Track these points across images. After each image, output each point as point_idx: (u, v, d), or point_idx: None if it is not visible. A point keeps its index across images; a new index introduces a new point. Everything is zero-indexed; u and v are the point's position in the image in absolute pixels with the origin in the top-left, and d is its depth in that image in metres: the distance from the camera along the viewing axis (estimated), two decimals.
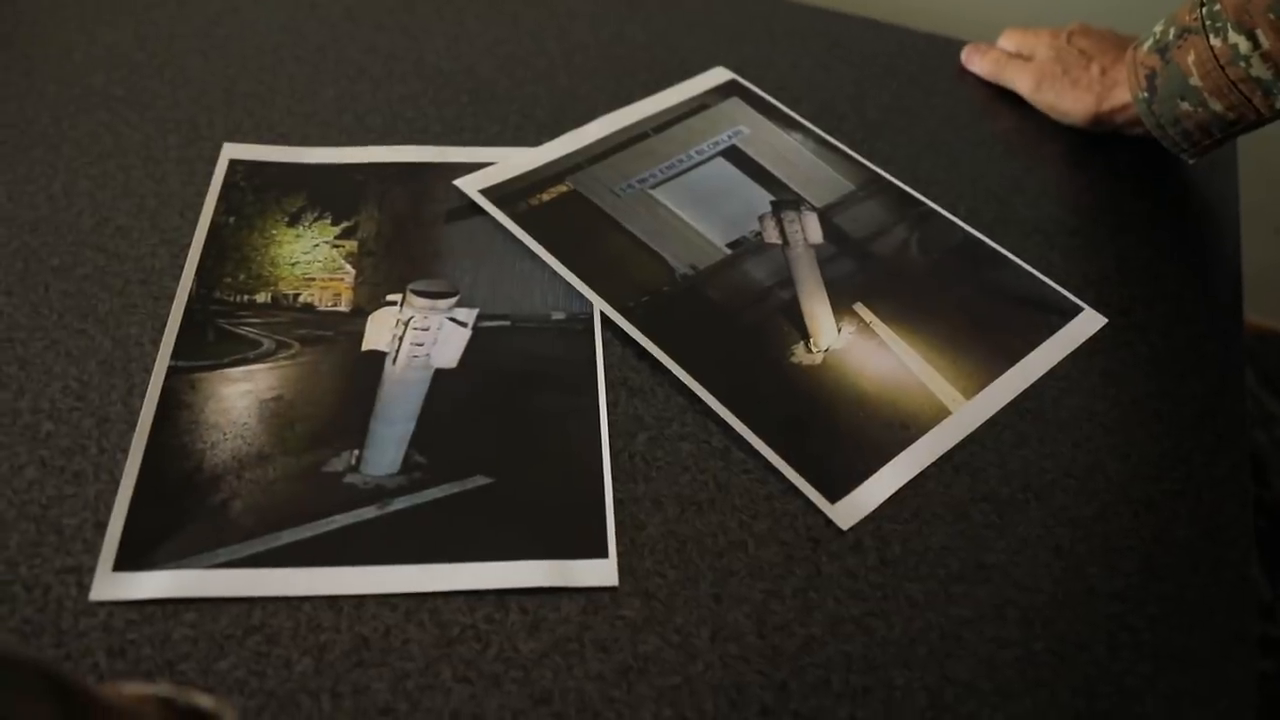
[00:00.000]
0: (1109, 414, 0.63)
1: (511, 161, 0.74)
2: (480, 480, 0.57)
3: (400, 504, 0.56)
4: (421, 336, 0.64)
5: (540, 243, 0.68)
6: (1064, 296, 0.68)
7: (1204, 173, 0.79)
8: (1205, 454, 0.61)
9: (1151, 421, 0.63)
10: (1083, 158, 0.79)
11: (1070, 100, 0.79)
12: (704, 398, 0.61)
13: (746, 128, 0.79)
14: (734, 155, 0.77)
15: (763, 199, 0.73)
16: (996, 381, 0.63)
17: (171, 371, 0.61)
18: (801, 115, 0.80)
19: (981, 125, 0.82)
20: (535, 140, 0.77)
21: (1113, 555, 0.56)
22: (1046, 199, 0.76)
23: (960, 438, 0.60)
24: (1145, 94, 0.72)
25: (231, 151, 0.74)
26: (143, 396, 0.60)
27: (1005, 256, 0.71)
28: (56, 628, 0.51)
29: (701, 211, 0.72)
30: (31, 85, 0.79)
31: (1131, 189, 0.77)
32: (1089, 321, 0.67)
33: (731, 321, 0.65)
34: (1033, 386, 0.63)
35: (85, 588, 0.52)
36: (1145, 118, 0.73)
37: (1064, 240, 0.73)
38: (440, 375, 0.62)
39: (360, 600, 0.52)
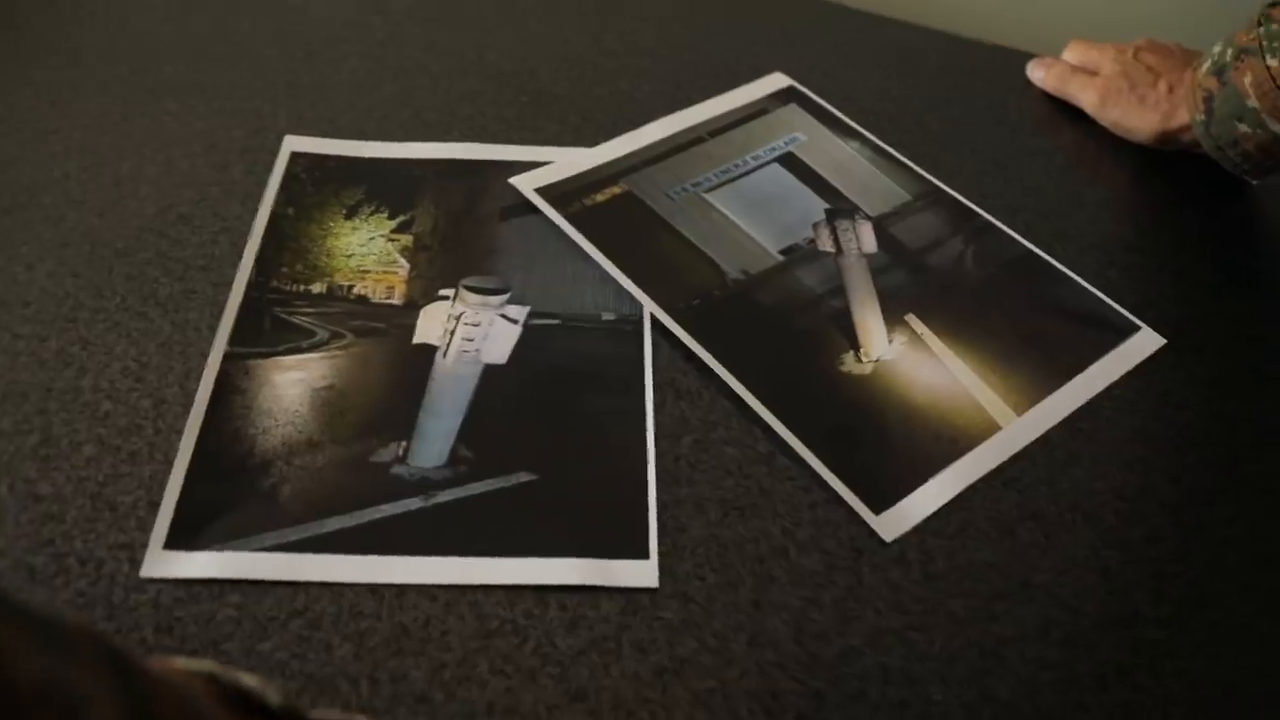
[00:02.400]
0: (1164, 436, 0.62)
1: (567, 161, 0.75)
2: (525, 476, 0.57)
3: (445, 497, 0.56)
4: (472, 332, 0.64)
5: (593, 243, 0.69)
6: (1121, 315, 0.67)
7: (1269, 194, 0.77)
8: (1262, 480, 0.60)
9: (1207, 445, 0.61)
10: (1146, 175, 0.78)
11: (1136, 117, 0.77)
12: (750, 403, 0.61)
13: (803, 134, 0.79)
14: (790, 162, 0.76)
15: (817, 207, 0.73)
16: (1049, 398, 0.62)
17: (227, 357, 0.62)
18: (860, 124, 0.80)
19: (1044, 139, 0.81)
20: (592, 141, 0.77)
21: (1161, 580, 0.55)
22: (1107, 215, 0.75)
23: (1009, 454, 0.60)
24: (1203, 116, 0.71)
25: (293, 144, 0.75)
26: (199, 380, 0.61)
27: (1063, 272, 0.70)
28: (108, 602, 0.52)
29: (755, 217, 0.72)
30: (110, 72, 0.81)
31: (1195, 208, 0.76)
32: (1146, 341, 0.66)
33: (781, 328, 0.65)
34: (1086, 405, 0.63)
35: (137, 564, 0.53)
36: (1203, 140, 0.72)
37: (1123, 257, 0.72)
38: (489, 371, 0.62)
39: (402, 589, 0.53)
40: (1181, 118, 0.75)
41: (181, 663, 0.36)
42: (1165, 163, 0.78)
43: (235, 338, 0.63)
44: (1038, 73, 0.85)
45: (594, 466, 0.58)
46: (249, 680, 0.36)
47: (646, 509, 0.56)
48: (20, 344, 0.62)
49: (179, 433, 0.58)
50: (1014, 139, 0.81)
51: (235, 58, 0.82)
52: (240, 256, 0.68)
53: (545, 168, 0.74)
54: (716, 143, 0.78)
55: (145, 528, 0.54)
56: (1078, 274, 0.70)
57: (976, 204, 0.74)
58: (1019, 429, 0.61)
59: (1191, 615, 0.54)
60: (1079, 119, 0.82)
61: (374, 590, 0.53)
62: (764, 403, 0.60)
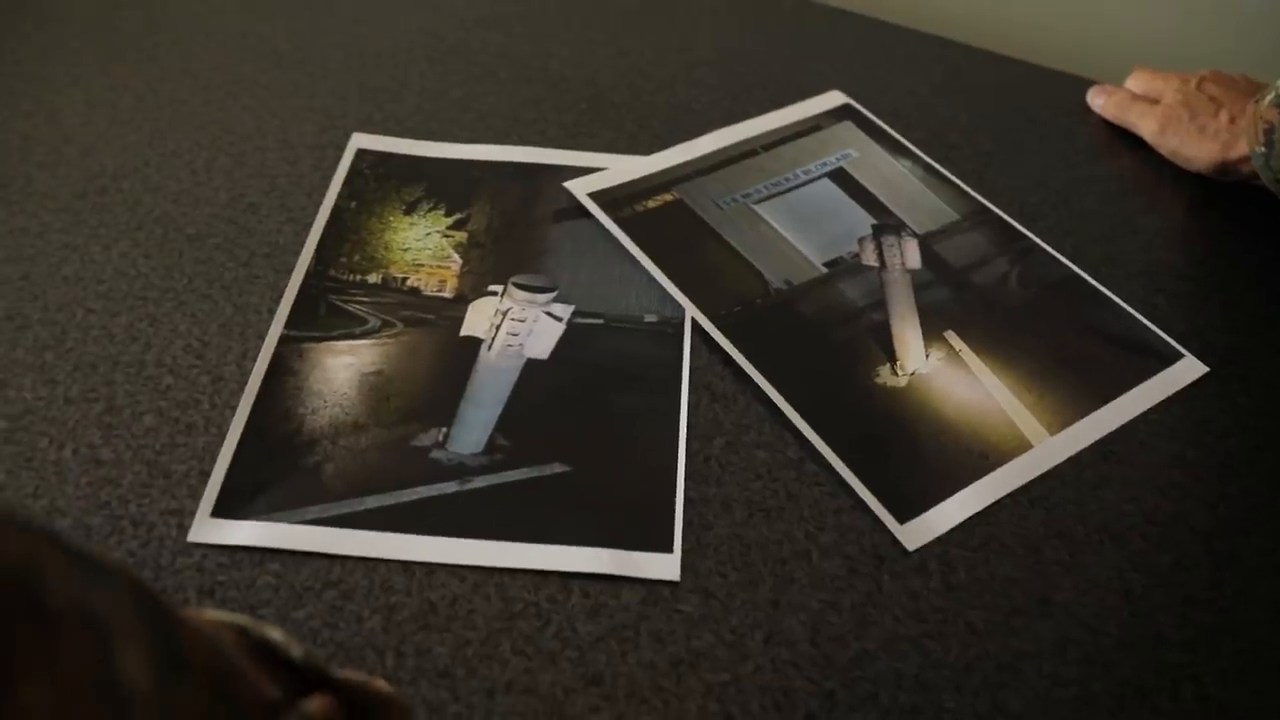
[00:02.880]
0: (1201, 463, 0.61)
1: (621, 168, 0.77)
2: (558, 467, 0.59)
3: (480, 482, 0.58)
4: (517, 327, 0.66)
5: (640, 247, 0.70)
6: (1165, 341, 0.67)
7: None
8: None
9: (1246, 474, 0.61)
10: (1202, 204, 0.78)
11: (1195, 146, 0.77)
12: (784, 409, 0.62)
13: (856, 151, 0.80)
14: (840, 177, 0.77)
15: (864, 222, 0.74)
16: (1084, 420, 0.62)
17: (283, 339, 0.65)
18: (913, 142, 0.81)
19: (1098, 165, 0.81)
20: (647, 149, 0.79)
21: (1188, 606, 0.55)
22: (1159, 243, 0.74)
23: (1039, 472, 0.60)
24: (1263, 149, 0.70)
25: (360, 141, 0.79)
26: (255, 360, 0.64)
27: (1108, 297, 0.70)
28: (156, 563, 0.54)
29: (802, 230, 0.73)
30: (189, 69, 0.85)
31: (1249, 240, 0.75)
32: (1188, 369, 0.66)
33: (820, 338, 0.66)
34: (1122, 428, 0.62)
35: (184, 529, 0.56)
36: (1262, 172, 0.71)
37: (1172, 285, 0.71)
38: (531, 365, 0.64)
39: (432, 568, 0.55)
40: (1241, 149, 0.74)
41: (212, 613, 0.38)
42: (1222, 193, 0.78)
43: (292, 321, 0.66)
44: (1098, 99, 0.84)
45: (626, 462, 0.59)
46: (275, 634, 0.37)
47: (674, 505, 0.58)
48: (92, 319, 0.66)
49: (233, 408, 0.61)
50: (1067, 163, 0.81)
51: (310, 60, 0.86)
52: (302, 245, 0.71)
53: (600, 173, 0.76)
54: (769, 156, 0.79)
55: (195, 495, 0.57)
56: (1124, 299, 0.70)
57: (1025, 226, 0.75)
58: (1051, 448, 0.61)
59: (1219, 641, 0.54)
60: (1136, 147, 0.82)
61: (406, 567, 0.55)
62: (797, 409, 0.61)
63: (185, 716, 0.28)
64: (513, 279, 0.69)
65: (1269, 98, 0.71)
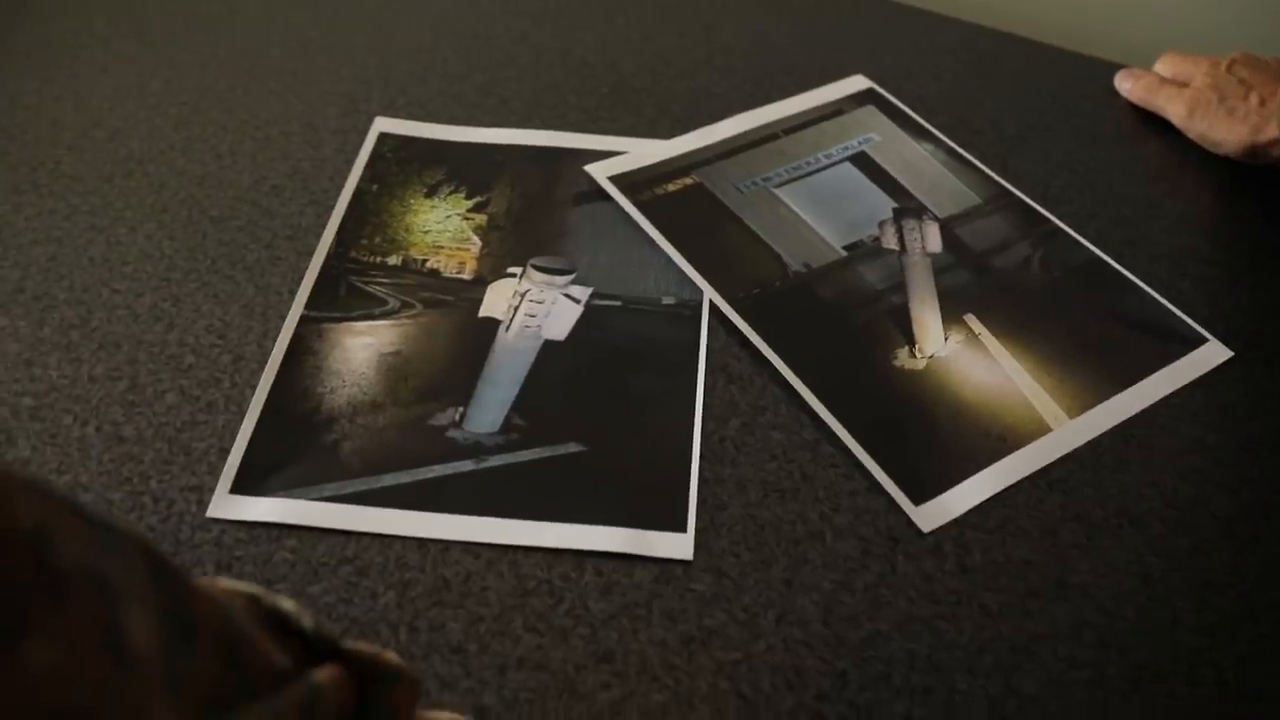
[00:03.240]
0: (1223, 448, 0.61)
1: (642, 152, 0.77)
2: (574, 447, 0.59)
3: (495, 461, 0.59)
4: (535, 309, 0.66)
5: (660, 230, 0.70)
6: (1189, 326, 0.66)
7: None
8: None
9: (1268, 459, 0.60)
10: (1228, 188, 0.76)
11: (1224, 129, 0.76)
12: (800, 390, 0.61)
13: (878, 135, 0.79)
14: (862, 161, 0.77)
15: (885, 206, 0.74)
16: (1104, 404, 0.62)
17: (303, 320, 0.65)
18: (936, 127, 0.80)
19: (1124, 148, 0.80)
20: (668, 134, 0.79)
21: (1207, 590, 0.54)
22: (1184, 226, 0.74)
23: (1058, 455, 0.59)
24: None
25: (382, 125, 0.79)
26: (275, 340, 0.64)
27: (1131, 281, 0.69)
28: (175, 538, 0.55)
29: (822, 213, 0.73)
30: (214, 55, 0.85)
31: (1277, 223, 0.74)
32: (1212, 353, 0.65)
33: (838, 321, 0.66)
34: (1143, 412, 0.62)
35: (204, 505, 0.56)
36: None
37: (1197, 269, 0.70)
38: (549, 346, 0.64)
39: (446, 545, 0.55)
40: (1271, 131, 0.73)
41: (226, 583, 0.38)
42: (1250, 177, 0.77)
43: (312, 302, 0.66)
44: (1125, 83, 0.83)
45: (641, 442, 0.60)
46: (287, 604, 0.38)
47: (688, 485, 0.58)
48: (118, 298, 0.67)
49: (253, 387, 0.62)
50: (1092, 147, 0.80)
51: (335, 46, 0.87)
52: (324, 228, 0.71)
53: (620, 157, 0.76)
54: (790, 140, 0.79)
55: (215, 472, 0.58)
56: (1148, 284, 0.69)
57: (1048, 210, 0.74)
58: (1070, 431, 0.60)
59: (1238, 626, 0.53)
60: (1161, 130, 0.81)
61: (421, 544, 0.55)
62: (814, 391, 0.61)
63: (194, 681, 0.29)
64: (531, 261, 0.69)
65: None
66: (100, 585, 0.26)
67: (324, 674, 0.35)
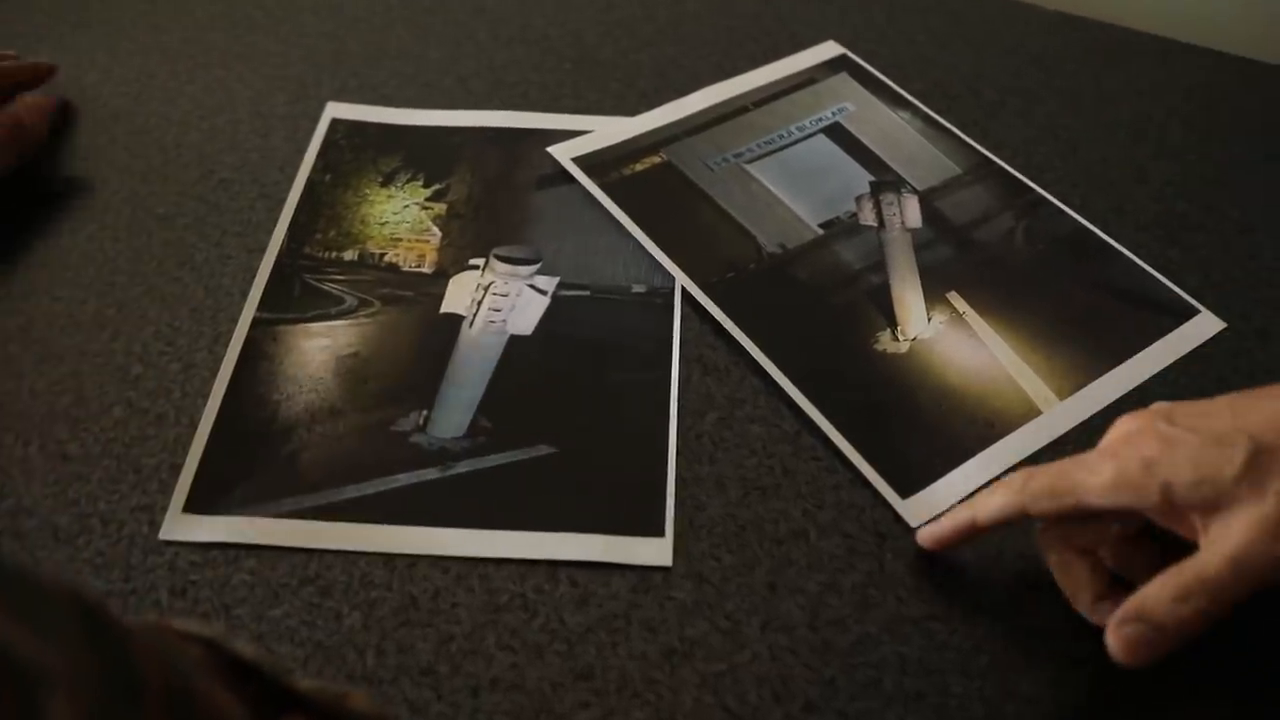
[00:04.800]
0: None
1: (607, 130, 0.73)
2: (544, 450, 0.57)
3: (463, 468, 0.56)
4: (500, 302, 0.63)
5: (627, 213, 0.67)
6: (1179, 297, 0.64)
7: None
8: None
9: None
10: (1218, 149, 0.74)
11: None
12: (778, 379, 0.59)
13: (852, 104, 0.76)
14: (836, 132, 0.74)
15: (862, 179, 0.71)
16: (1095, 382, 0.59)
17: (256, 323, 0.62)
18: (913, 94, 0.77)
19: (1107, 110, 0.77)
20: (634, 109, 0.76)
21: None
22: (1171, 192, 0.71)
23: (1049, 439, 0.57)
24: None
25: (334, 110, 0.75)
26: (227, 345, 0.61)
27: (1118, 250, 0.66)
28: (126, 563, 0.52)
29: (796, 189, 0.70)
30: (156, 41, 0.81)
31: (1269, 188, 0.71)
32: (1205, 324, 0.62)
33: (816, 303, 0.63)
34: (1135, 390, 0.59)
35: (156, 526, 0.54)
36: None
37: (1186, 236, 0.68)
38: (515, 341, 0.61)
39: (414, 560, 0.53)
40: None
41: (182, 625, 0.35)
42: (1237, 137, 0.74)
43: (265, 303, 0.63)
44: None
45: (614, 441, 0.57)
46: (247, 650, 0.35)
47: (665, 486, 0.55)
48: (59, 306, 0.63)
49: (205, 396, 0.59)
50: (1074, 111, 0.77)
51: (282, 26, 0.83)
52: (275, 223, 0.68)
53: (584, 137, 0.73)
54: (761, 113, 0.75)
55: (166, 491, 0.55)
56: (1135, 253, 0.66)
57: (1031, 178, 0.71)
58: (1061, 413, 0.58)
59: (1245, 616, 0.51)
60: (1145, 92, 0.78)
61: (387, 560, 0.53)
62: (792, 379, 0.59)
63: None
64: (494, 251, 0.66)
65: None
66: (14, 673, 0.23)
67: None
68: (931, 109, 0.76)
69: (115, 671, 0.26)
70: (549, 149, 0.72)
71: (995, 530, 0.49)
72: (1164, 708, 0.48)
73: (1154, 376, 0.60)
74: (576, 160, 0.71)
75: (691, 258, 0.65)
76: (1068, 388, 0.59)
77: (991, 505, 0.48)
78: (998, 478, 0.55)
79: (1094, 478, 0.45)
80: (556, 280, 0.65)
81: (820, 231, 0.67)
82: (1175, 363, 0.61)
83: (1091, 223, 0.68)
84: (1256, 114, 0.77)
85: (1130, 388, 0.59)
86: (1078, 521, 0.47)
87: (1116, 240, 0.67)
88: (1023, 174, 0.71)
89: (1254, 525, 0.41)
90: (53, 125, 0.72)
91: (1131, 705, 0.48)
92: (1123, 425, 0.47)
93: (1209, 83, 0.79)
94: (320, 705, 0.34)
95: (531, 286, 0.64)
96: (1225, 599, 0.42)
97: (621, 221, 0.67)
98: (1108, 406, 0.58)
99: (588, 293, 0.64)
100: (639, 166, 0.71)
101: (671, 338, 0.62)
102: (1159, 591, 0.43)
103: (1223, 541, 0.42)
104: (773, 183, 0.70)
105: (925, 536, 0.52)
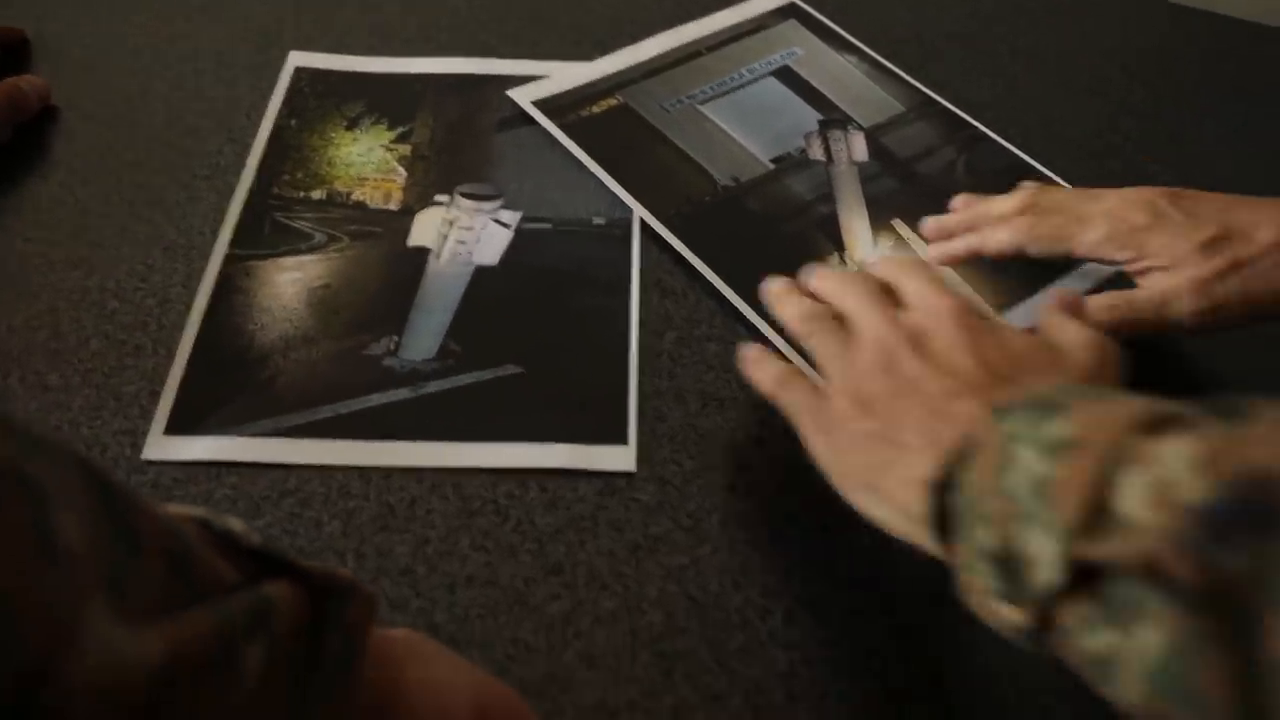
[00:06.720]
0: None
1: (565, 75, 0.76)
2: (511, 369, 0.59)
3: (433, 387, 0.58)
4: (465, 235, 0.66)
5: (587, 151, 0.70)
6: None
7: None
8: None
9: (1190, 351, 0.62)
10: (1148, 89, 0.78)
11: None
12: (733, 300, 0.62)
13: (801, 49, 0.79)
14: (786, 75, 0.77)
15: (811, 118, 0.74)
16: (1029, 300, 0.63)
17: (229, 259, 0.64)
18: (860, 39, 0.80)
19: (1048, 49, 0.81)
20: (590, 55, 0.78)
21: None
22: (1108, 126, 0.75)
23: None
24: None
25: (298, 60, 0.77)
26: (200, 280, 0.63)
27: (1055, 182, 0.70)
28: None
29: (749, 128, 0.73)
30: None
31: (1199, 116, 0.75)
32: None
33: (769, 232, 0.66)
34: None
35: (138, 448, 0.55)
36: None
37: (1121, 168, 0.72)
38: (481, 271, 0.64)
39: (389, 472, 0.55)
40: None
41: (174, 508, 0.37)
42: (1169, 80, 0.78)
43: (237, 241, 0.65)
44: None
45: (578, 360, 0.60)
46: (236, 524, 0.37)
47: (627, 399, 0.58)
48: (31, 248, 0.65)
49: (181, 328, 0.61)
50: (1013, 53, 0.80)
51: None
52: (244, 166, 0.70)
53: (543, 81, 0.75)
54: (713, 57, 0.78)
55: (147, 416, 0.57)
56: (1071, 183, 0.70)
57: (974, 116, 0.74)
58: None
59: None
60: (1087, 32, 0.82)
61: (362, 473, 0.55)
62: (747, 301, 0.62)
63: (138, 586, 0.28)
64: (458, 188, 0.68)
65: None
66: (26, 485, 0.25)
67: (275, 588, 0.34)
68: (878, 53, 0.79)
69: (115, 520, 0.28)
70: (509, 92, 0.74)
71: None
72: None
73: (1091, 290, 0.63)
74: (536, 103, 0.73)
75: (649, 192, 0.68)
76: (1005, 304, 0.62)
77: (999, 238, 0.58)
78: None
79: (1089, 234, 0.56)
80: (519, 215, 0.67)
81: (772, 166, 0.70)
82: (1112, 275, 0.64)
83: (1029, 155, 0.72)
84: (1194, 59, 0.81)
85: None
86: None
87: (1055, 171, 0.71)
88: (965, 111, 0.75)
89: (1186, 280, 0.53)
90: (42, 104, 0.73)
91: None
92: (1131, 194, 0.57)
93: (1147, 29, 0.83)
94: (305, 571, 0.36)
95: (496, 221, 0.67)
96: (1139, 319, 0.54)
97: (582, 160, 0.70)
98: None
99: (549, 226, 0.67)
100: (596, 109, 0.74)
101: (630, 266, 0.64)
102: (1097, 299, 0.55)
103: (1158, 284, 0.54)
104: (726, 122, 0.73)
105: (935, 252, 0.61)
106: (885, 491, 0.44)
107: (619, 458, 0.55)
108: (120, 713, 0.26)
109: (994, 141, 0.73)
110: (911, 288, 0.49)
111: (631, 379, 0.59)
